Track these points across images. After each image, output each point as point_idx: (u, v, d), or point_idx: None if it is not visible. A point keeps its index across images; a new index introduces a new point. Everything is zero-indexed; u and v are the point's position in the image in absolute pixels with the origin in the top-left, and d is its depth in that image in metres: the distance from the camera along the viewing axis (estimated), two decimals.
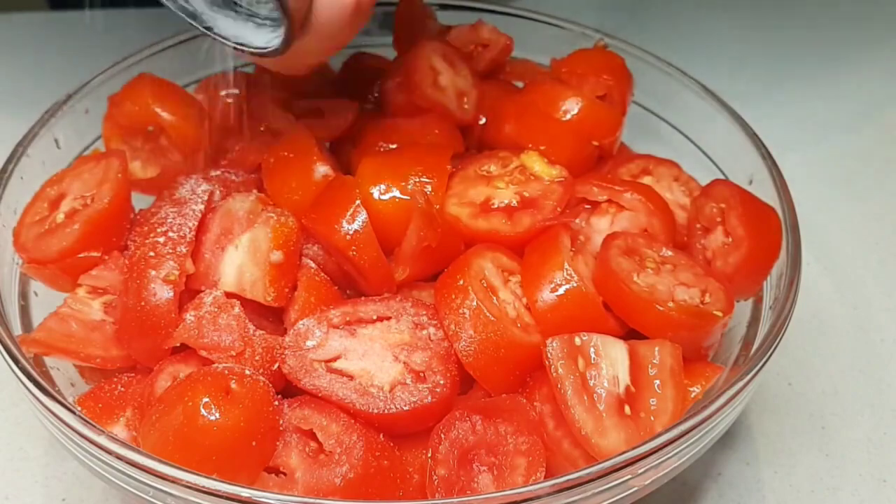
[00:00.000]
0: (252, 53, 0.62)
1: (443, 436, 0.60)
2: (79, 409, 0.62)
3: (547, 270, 0.66)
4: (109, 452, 0.55)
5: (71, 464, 0.75)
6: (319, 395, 0.61)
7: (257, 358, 0.63)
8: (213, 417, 0.56)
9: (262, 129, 0.80)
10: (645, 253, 0.69)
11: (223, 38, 0.63)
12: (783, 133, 1.11)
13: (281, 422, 0.60)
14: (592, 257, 0.69)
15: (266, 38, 0.61)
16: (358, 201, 0.69)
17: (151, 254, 0.66)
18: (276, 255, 0.67)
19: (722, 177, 0.83)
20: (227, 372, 0.60)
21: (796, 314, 0.66)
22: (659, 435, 0.56)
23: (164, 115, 0.77)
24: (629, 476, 0.56)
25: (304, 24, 0.60)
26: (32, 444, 0.77)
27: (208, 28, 0.62)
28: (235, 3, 0.62)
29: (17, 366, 0.61)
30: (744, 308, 0.72)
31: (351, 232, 0.68)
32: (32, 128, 0.78)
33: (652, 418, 0.61)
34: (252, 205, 0.70)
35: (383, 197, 0.69)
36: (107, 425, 0.63)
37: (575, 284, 0.65)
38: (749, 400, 0.65)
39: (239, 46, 0.62)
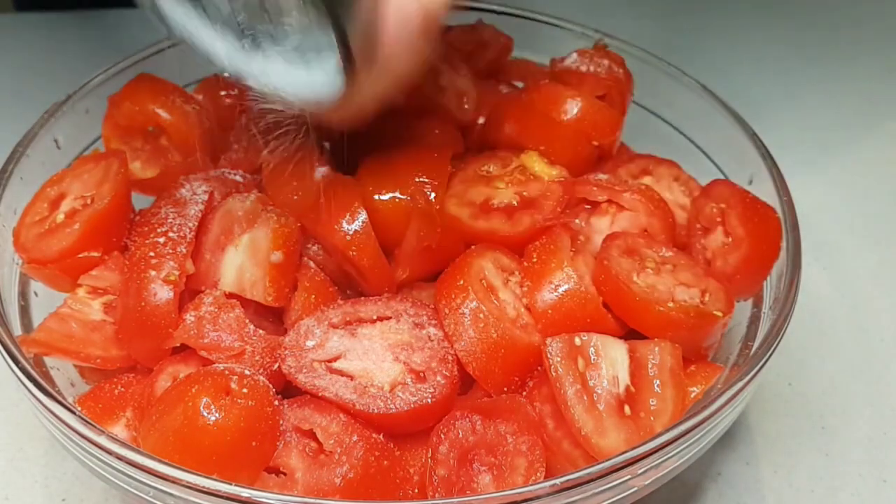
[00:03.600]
0: (307, 102, 0.55)
1: (443, 436, 0.60)
2: (79, 409, 0.62)
3: (547, 270, 0.66)
4: (109, 452, 0.55)
5: (71, 464, 0.75)
6: (319, 395, 0.60)
7: (257, 358, 0.63)
8: (213, 417, 0.56)
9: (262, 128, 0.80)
10: (645, 253, 0.69)
11: (272, 88, 0.56)
12: (783, 133, 1.12)
13: (281, 422, 0.60)
14: (592, 257, 0.69)
15: (320, 78, 0.54)
16: (358, 201, 0.69)
17: (151, 254, 0.65)
18: (276, 256, 0.67)
19: (722, 177, 0.83)
20: (227, 372, 0.60)
21: (796, 314, 0.66)
22: (659, 435, 0.56)
23: (164, 115, 0.77)
24: (629, 476, 0.56)
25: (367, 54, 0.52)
26: (32, 444, 0.77)
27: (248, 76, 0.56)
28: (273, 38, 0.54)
29: (17, 366, 0.60)
30: (744, 308, 0.72)
31: (351, 232, 0.68)
32: (32, 128, 0.78)
33: (652, 418, 0.61)
34: (252, 205, 0.70)
35: (383, 197, 0.69)
36: (107, 425, 0.63)
37: (575, 284, 0.65)
38: (749, 400, 0.65)
39: (286, 94, 0.55)
